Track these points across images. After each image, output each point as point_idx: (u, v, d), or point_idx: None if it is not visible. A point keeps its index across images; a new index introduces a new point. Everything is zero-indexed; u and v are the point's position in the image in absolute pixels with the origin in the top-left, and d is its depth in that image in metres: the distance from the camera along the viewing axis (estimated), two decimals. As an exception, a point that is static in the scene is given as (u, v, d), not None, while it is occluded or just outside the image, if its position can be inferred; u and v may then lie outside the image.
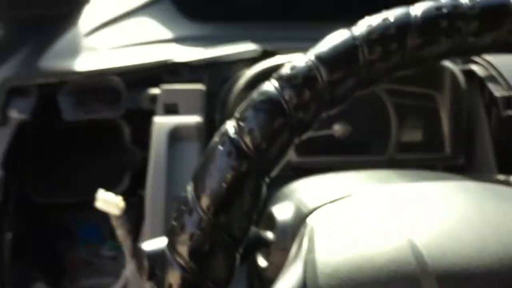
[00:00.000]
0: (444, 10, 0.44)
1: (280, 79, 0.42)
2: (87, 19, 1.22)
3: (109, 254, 1.15)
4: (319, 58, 0.43)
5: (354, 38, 0.43)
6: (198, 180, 0.39)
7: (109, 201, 0.84)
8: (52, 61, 1.01)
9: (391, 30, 0.44)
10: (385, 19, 0.44)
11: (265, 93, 0.42)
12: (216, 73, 1.15)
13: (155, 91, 0.98)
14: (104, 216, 1.10)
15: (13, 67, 0.99)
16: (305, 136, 0.44)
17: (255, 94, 0.42)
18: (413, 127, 1.12)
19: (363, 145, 1.11)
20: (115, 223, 0.89)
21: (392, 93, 1.09)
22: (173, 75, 1.04)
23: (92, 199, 1.04)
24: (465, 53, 0.47)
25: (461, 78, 1.05)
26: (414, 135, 1.12)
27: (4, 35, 1.18)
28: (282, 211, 0.65)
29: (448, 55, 0.46)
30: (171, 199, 0.83)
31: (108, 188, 1.04)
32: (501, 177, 0.97)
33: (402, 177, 0.82)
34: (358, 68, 0.43)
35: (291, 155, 1.07)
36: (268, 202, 0.92)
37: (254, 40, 1.24)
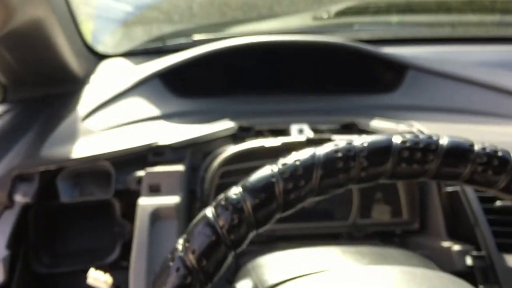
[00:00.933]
0: (340, 154, 0.58)
1: (217, 207, 0.56)
2: (85, 100, 1.38)
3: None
4: (245, 188, 0.57)
5: (272, 175, 0.58)
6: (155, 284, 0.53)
7: (98, 279, 0.97)
8: (52, 148, 1.16)
9: (300, 169, 0.58)
10: (296, 160, 0.59)
11: (205, 219, 0.56)
12: (198, 150, 1.30)
13: (140, 173, 1.13)
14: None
15: (18, 156, 1.15)
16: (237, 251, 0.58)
17: (197, 219, 0.57)
18: (373, 196, 1.25)
19: (327, 212, 1.25)
20: (105, 295, 1.02)
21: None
22: (158, 156, 1.19)
23: (89, 267, 1.17)
24: (361, 183, 0.60)
25: None
26: (374, 203, 1.25)
27: (9, 120, 1.34)
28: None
29: (345, 186, 0.60)
30: (151, 272, 0.97)
31: (102, 256, 1.17)
32: (446, 244, 1.10)
33: (356, 255, 0.95)
34: (275, 197, 0.57)
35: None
36: (236, 275, 1.05)
37: (231, 114, 1.39)
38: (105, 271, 1.16)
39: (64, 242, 1.18)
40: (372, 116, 1.37)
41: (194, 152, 1.29)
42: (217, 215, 0.56)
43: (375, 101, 1.48)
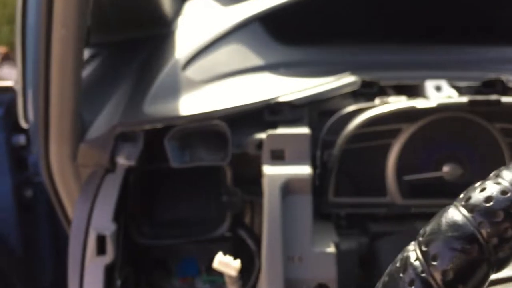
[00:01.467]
0: None
1: (474, 211, 0.38)
2: (180, 45, 1.20)
3: (204, 288, 1.14)
4: None
5: None
6: None
7: (227, 264, 0.82)
8: (156, 102, 0.99)
9: None
10: None
11: (458, 227, 0.38)
12: (314, 109, 1.11)
13: (261, 135, 0.95)
14: (201, 251, 1.10)
15: (118, 111, 0.98)
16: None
17: (442, 225, 0.39)
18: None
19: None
20: (228, 280, 0.87)
21: (507, 132, 1.02)
22: (276, 114, 1.01)
23: (194, 238, 1.03)
24: None
25: None
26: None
27: (99, 66, 1.17)
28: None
29: None
30: (287, 258, 0.81)
31: (210, 228, 1.03)
32: None
33: None
34: None
35: (396, 198, 1.03)
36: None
37: (348, 66, 1.19)
38: (213, 243, 1.01)
39: (167, 210, 1.04)
40: None
41: (310, 111, 1.11)
42: (478, 224, 0.37)
43: (509, 53, 1.24)
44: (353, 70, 1.14)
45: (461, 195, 0.40)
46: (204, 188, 1.04)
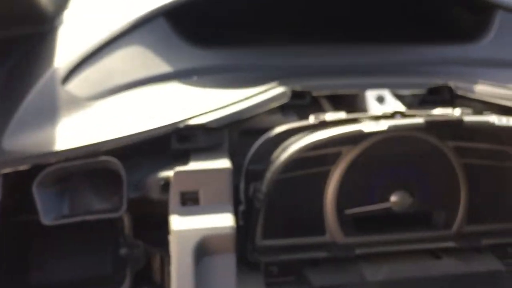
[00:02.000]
0: None
1: None
2: (62, 48, 0.94)
3: None
4: None
5: None
6: None
7: None
8: (22, 134, 0.73)
9: None
10: None
11: None
12: (235, 129, 0.90)
13: (166, 174, 0.73)
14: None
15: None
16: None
17: None
18: (486, 192, 0.91)
19: (425, 218, 0.90)
20: None
21: (462, 152, 0.87)
22: (186, 141, 0.79)
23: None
24: None
25: None
26: (486, 202, 0.91)
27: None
28: None
29: None
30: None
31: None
32: None
33: None
34: None
35: (337, 236, 0.85)
36: None
37: (272, 72, 0.99)
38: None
39: (46, 271, 0.78)
40: (466, 75, 0.99)
41: (231, 132, 0.90)
42: None
43: (452, 53, 1.10)
44: (280, 77, 0.94)
45: None
46: (97, 240, 0.80)
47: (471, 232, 0.88)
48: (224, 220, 0.66)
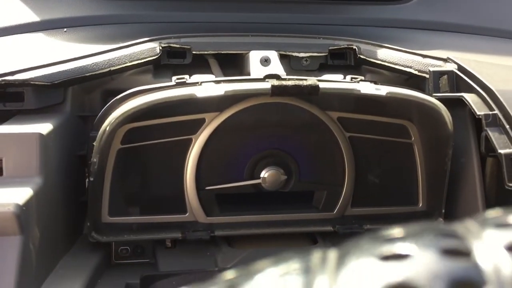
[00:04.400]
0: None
1: None
2: None
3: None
4: None
5: None
6: None
7: None
8: None
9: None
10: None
11: None
12: (91, 88, 0.79)
13: None
14: None
15: None
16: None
17: None
18: (375, 171, 0.79)
19: (302, 199, 0.78)
20: None
21: (347, 124, 0.74)
22: (8, 100, 0.67)
23: None
24: None
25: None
26: (374, 183, 0.79)
27: None
28: None
29: None
30: None
31: None
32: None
33: None
34: None
35: (197, 215, 0.74)
36: None
37: (148, 25, 0.86)
38: None
39: None
40: (376, 37, 0.87)
41: (84, 91, 0.78)
42: None
43: (377, 14, 0.97)
44: (153, 31, 0.82)
45: None
46: None
47: (354, 215, 0.77)
48: (12, 197, 0.55)
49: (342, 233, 0.76)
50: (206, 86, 0.65)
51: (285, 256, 0.16)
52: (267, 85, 0.65)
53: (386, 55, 0.82)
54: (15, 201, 0.54)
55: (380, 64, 0.82)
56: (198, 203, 0.74)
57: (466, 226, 0.16)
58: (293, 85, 0.64)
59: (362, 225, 0.76)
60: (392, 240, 0.15)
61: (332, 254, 0.16)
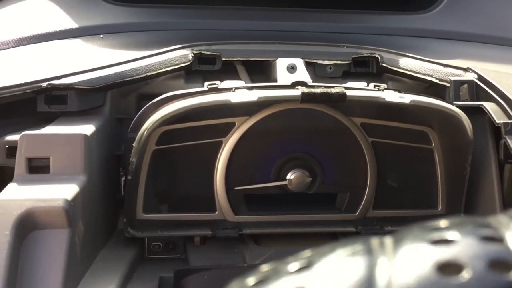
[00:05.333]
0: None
1: None
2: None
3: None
4: None
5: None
6: None
7: None
8: None
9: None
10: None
11: None
12: (127, 92, 0.83)
13: (12, 137, 0.66)
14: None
15: None
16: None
17: None
18: (396, 175, 0.82)
19: (325, 200, 0.82)
20: None
21: (369, 129, 0.78)
22: (56, 102, 0.72)
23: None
24: None
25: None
26: (395, 186, 0.82)
27: None
28: None
29: None
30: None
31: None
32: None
33: None
34: None
35: (226, 214, 0.78)
36: None
37: (180, 33, 0.91)
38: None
39: None
40: (398, 46, 0.90)
41: (121, 95, 0.83)
42: None
43: (399, 24, 1.01)
44: (185, 39, 0.87)
45: None
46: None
47: (375, 217, 0.80)
48: (61, 192, 0.60)
49: (364, 234, 0.79)
50: (240, 92, 0.69)
51: (349, 241, 0.20)
52: (297, 92, 0.68)
53: (408, 64, 0.86)
54: (64, 196, 0.59)
55: (402, 72, 0.86)
56: (227, 202, 0.78)
57: (498, 219, 0.19)
58: (321, 93, 0.68)
59: (383, 226, 0.79)
60: (439, 229, 0.18)
61: (388, 240, 0.19)
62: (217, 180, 0.77)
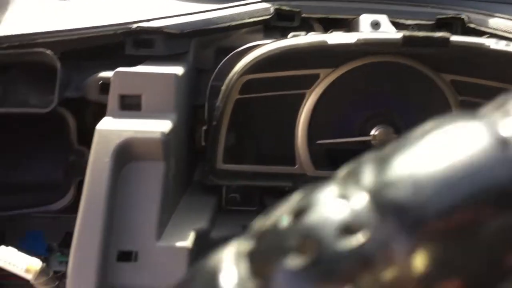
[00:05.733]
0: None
1: None
2: None
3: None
4: None
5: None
6: None
7: (14, 264, 0.55)
8: None
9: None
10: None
11: None
12: (208, 43, 0.82)
13: (106, 74, 0.67)
14: (49, 224, 0.83)
15: None
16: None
17: None
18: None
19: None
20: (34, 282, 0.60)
21: (459, 87, 0.75)
22: (143, 46, 0.72)
23: (34, 209, 0.76)
24: None
25: None
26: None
27: None
28: None
29: None
30: (112, 255, 0.54)
31: (56, 197, 0.75)
32: None
33: None
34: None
35: (306, 167, 0.77)
36: None
37: None
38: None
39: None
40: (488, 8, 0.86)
41: (202, 46, 0.82)
42: None
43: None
44: None
45: None
46: (51, 144, 0.76)
47: None
48: (157, 126, 0.59)
49: None
50: (337, 34, 0.67)
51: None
52: (398, 35, 0.66)
53: (499, 23, 0.82)
54: (161, 129, 0.58)
55: (492, 33, 0.82)
56: (308, 156, 0.76)
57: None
58: (424, 36, 0.65)
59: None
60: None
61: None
62: (299, 133, 0.76)
